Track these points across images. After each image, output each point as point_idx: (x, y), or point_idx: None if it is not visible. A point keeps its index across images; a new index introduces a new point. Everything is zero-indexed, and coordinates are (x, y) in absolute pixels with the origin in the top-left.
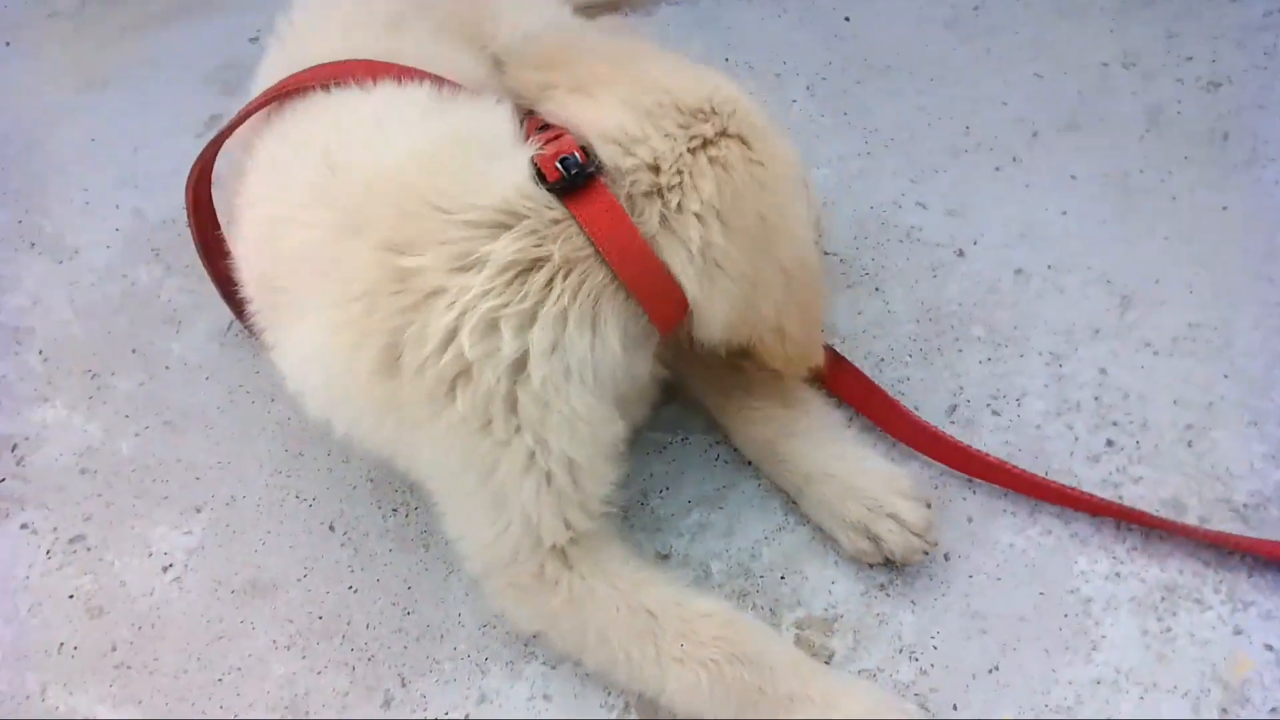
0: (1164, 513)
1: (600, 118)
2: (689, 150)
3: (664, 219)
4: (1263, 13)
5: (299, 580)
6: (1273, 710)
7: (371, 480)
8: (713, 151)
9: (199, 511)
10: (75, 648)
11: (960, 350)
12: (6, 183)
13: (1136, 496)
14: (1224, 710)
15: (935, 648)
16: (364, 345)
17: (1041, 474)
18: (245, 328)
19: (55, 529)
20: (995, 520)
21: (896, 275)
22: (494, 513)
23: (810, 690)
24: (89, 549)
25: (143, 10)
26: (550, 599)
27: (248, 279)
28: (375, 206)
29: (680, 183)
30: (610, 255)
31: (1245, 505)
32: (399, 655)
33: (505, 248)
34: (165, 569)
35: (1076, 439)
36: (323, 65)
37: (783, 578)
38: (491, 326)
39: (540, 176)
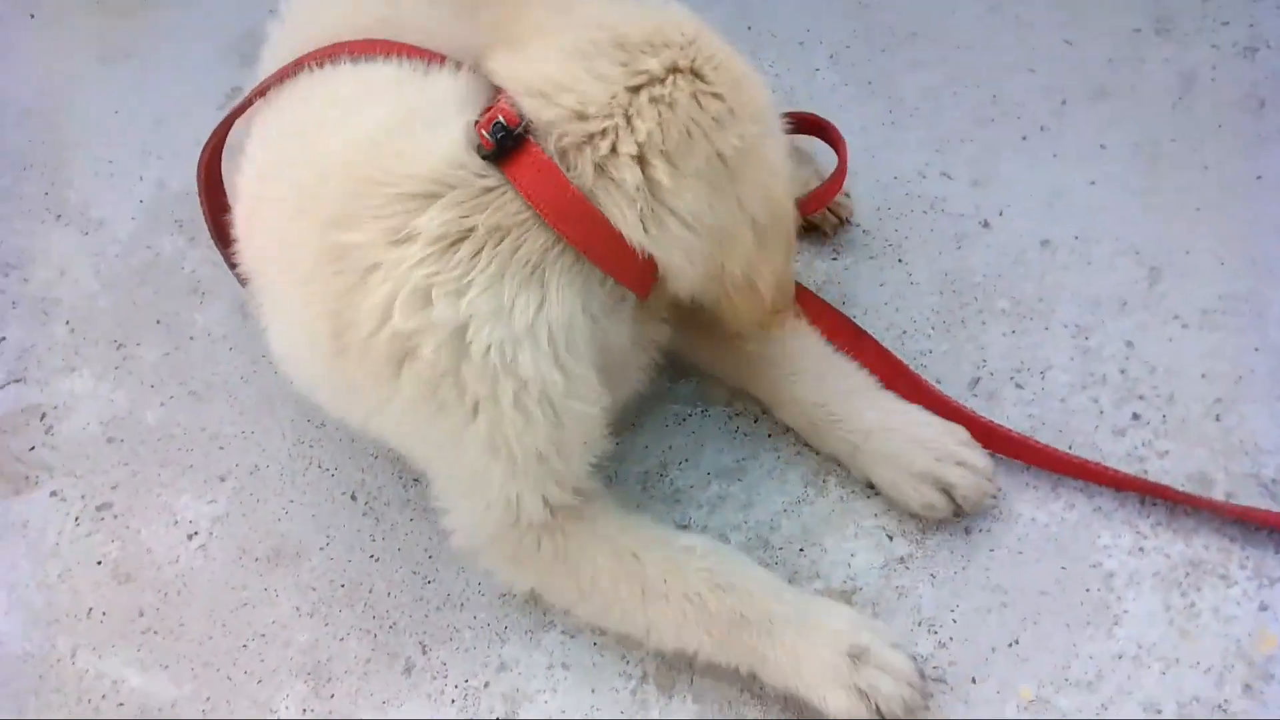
0: (1190, 487)
1: (526, 71)
2: (627, 89)
3: (598, 168)
4: None
5: (321, 548)
6: None
7: (391, 451)
8: (656, 90)
9: (223, 480)
10: (104, 613)
11: (984, 322)
12: (32, 155)
13: (1162, 470)
14: (1248, 686)
15: (954, 621)
16: (316, 328)
17: (1065, 448)
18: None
19: (83, 496)
20: (1017, 494)
21: (920, 246)
22: (472, 493)
23: (788, 612)
24: (116, 516)
25: None
26: (538, 557)
27: (243, 262)
28: (323, 186)
29: (613, 125)
30: (547, 215)
31: (1274, 480)
32: (420, 623)
33: (432, 220)
34: (190, 536)
35: (1102, 412)
36: (327, 45)
37: (801, 550)
38: (424, 296)
39: (479, 149)
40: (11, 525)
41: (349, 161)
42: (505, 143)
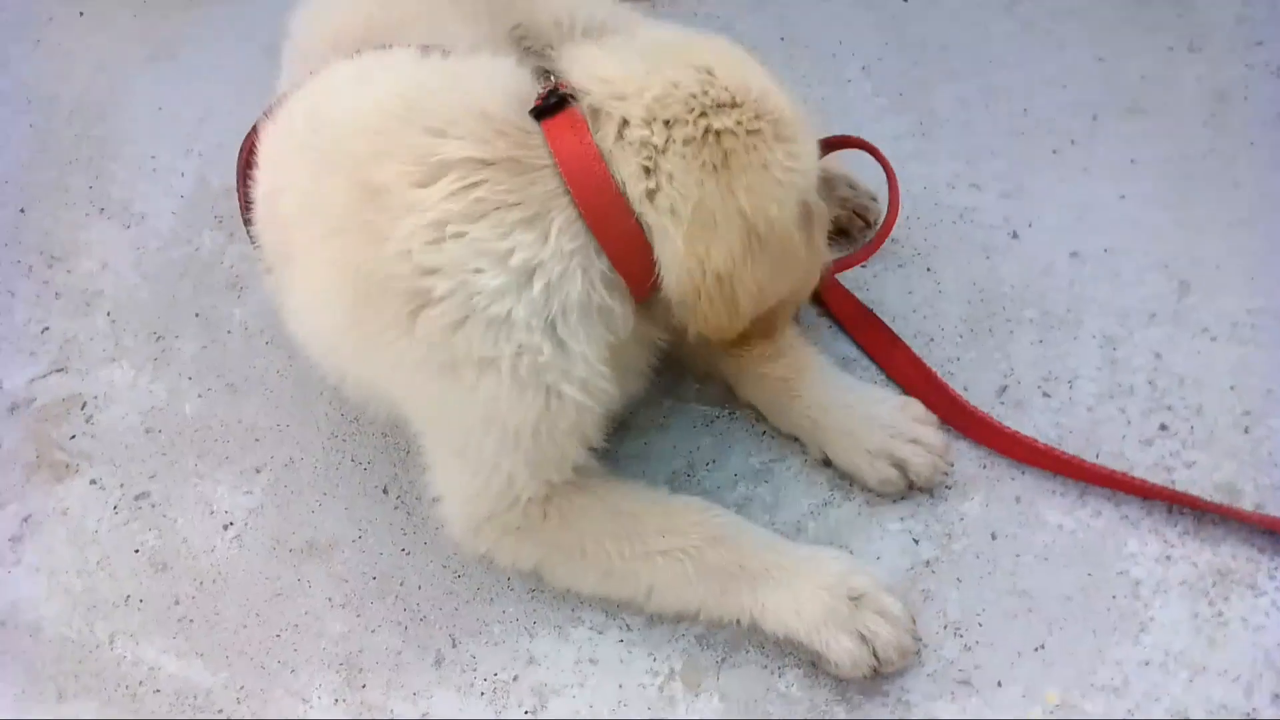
0: (1218, 498)
1: (604, 64)
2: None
3: (619, 134)
4: None
5: (354, 541)
6: None
7: None
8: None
9: (259, 472)
10: (141, 600)
11: (1012, 332)
12: (78, 149)
13: (1189, 481)
14: (1277, 696)
15: (980, 625)
16: (339, 283)
17: (1093, 457)
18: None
19: (122, 485)
20: (1044, 500)
21: (949, 255)
22: (470, 468)
23: (784, 560)
24: (153, 506)
25: None
26: (541, 527)
27: (264, 246)
28: (352, 140)
29: (633, 92)
30: (561, 164)
31: None
32: (450, 616)
33: (458, 149)
34: (226, 527)
35: (1129, 423)
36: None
37: None
38: (439, 230)
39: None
40: (52, 512)
41: (383, 111)
42: (552, 99)
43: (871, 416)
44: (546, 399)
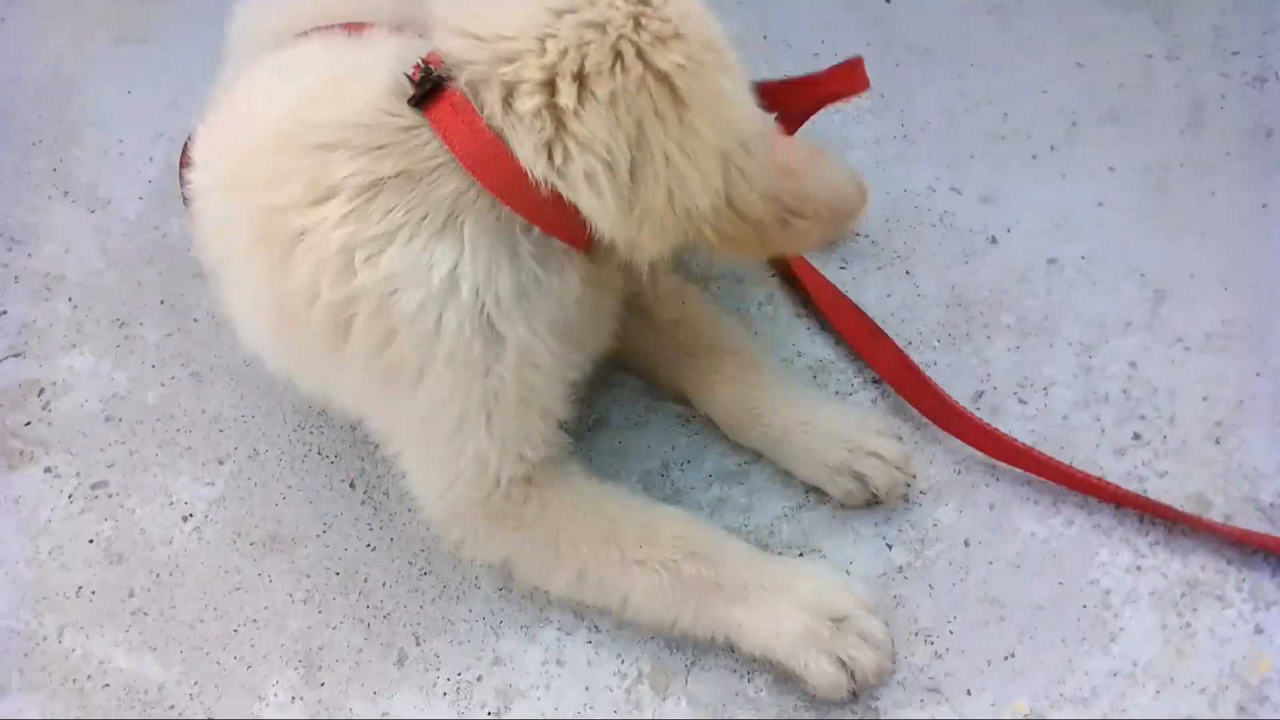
0: (1188, 509)
1: (455, 11)
2: (550, 10)
3: (505, 102)
4: None
5: (318, 535)
6: None
7: None
8: (586, 14)
9: (221, 463)
10: (93, 592)
11: (989, 337)
12: (42, 131)
13: (1161, 491)
14: (1241, 709)
15: (951, 632)
16: (261, 304)
17: (1067, 464)
18: None
19: (78, 474)
20: (1017, 508)
21: (927, 259)
22: (440, 456)
23: (763, 577)
24: (110, 495)
25: None
26: (518, 517)
27: (202, 254)
28: (254, 155)
29: (523, 51)
30: (460, 157)
31: (1271, 505)
32: (414, 614)
33: (346, 168)
34: (185, 519)
35: (1103, 431)
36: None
37: (800, 555)
38: (347, 260)
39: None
40: (4, 501)
41: (277, 124)
42: (426, 84)
43: (830, 433)
44: (486, 379)
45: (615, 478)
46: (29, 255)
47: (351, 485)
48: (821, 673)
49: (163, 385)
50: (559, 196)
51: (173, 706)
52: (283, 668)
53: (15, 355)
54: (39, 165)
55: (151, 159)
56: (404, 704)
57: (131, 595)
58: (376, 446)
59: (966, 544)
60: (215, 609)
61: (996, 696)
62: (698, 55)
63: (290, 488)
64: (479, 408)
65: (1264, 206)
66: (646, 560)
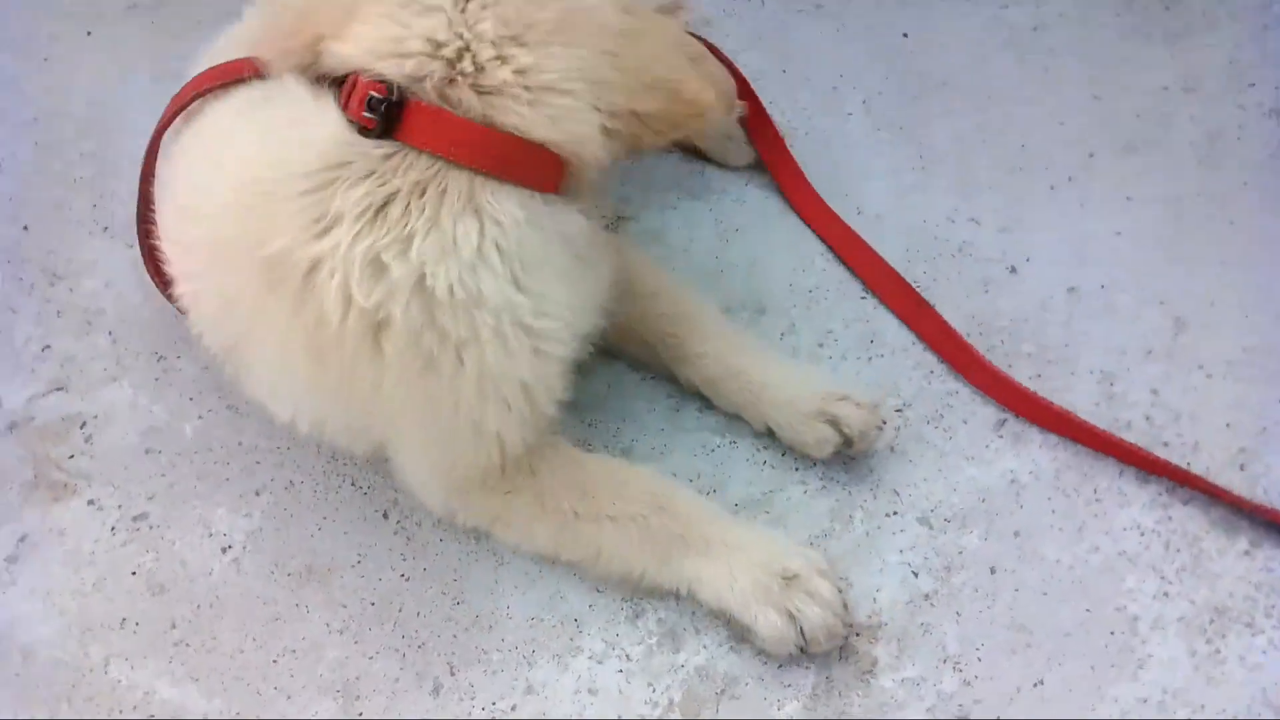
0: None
1: (364, 43)
2: (455, 5)
3: (476, 89)
4: None
5: (353, 566)
6: None
7: None
8: None
9: (258, 495)
10: (137, 623)
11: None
12: (83, 169)
13: (1185, 517)
14: None
15: (979, 660)
16: (287, 351)
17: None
18: None
19: (120, 506)
20: (1042, 535)
21: (947, 289)
22: (461, 441)
23: (726, 535)
24: (152, 527)
25: (218, 5)
26: (515, 478)
27: (196, 328)
28: (229, 218)
29: (464, 43)
30: (458, 157)
31: None
32: (448, 644)
33: (348, 197)
34: (224, 550)
35: None
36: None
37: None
38: (375, 265)
39: (363, 130)
40: (49, 532)
41: (240, 188)
42: (389, 113)
43: (805, 384)
44: (533, 342)
45: None
46: (70, 290)
47: (385, 516)
48: (770, 624)
49: (200, 418)
50: (553, 159)
51: None
52: (321, 697)
53: (58, 389)
54: (80, 202)
55: None
56: None
57: (174, 627)
58: None
59: (993, 571)
60: (255, 639)
61: None
62: None
63: (325, 518)
64: (520, 377)
65: None
66: (618, 515)
